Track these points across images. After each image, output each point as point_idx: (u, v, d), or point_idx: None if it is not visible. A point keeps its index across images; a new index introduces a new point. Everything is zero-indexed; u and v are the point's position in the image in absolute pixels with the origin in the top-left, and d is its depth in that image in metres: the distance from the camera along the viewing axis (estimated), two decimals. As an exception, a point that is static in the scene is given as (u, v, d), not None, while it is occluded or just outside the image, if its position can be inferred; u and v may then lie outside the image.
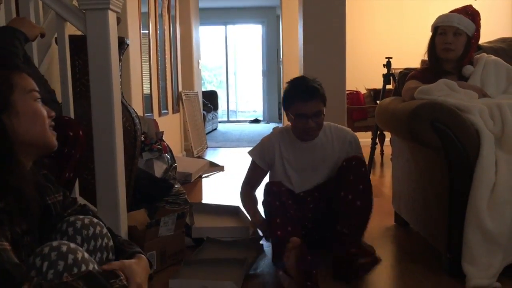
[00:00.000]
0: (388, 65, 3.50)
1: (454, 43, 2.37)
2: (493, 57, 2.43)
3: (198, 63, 7.04)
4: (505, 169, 1.95)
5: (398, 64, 3.55)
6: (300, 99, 2.20)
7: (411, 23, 5.67)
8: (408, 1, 6.04)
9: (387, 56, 3.52)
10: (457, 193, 1.97)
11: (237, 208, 2.67)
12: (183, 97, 5.77)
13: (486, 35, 3.77)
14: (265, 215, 2.27)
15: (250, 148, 2.44)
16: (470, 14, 2.44)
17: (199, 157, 5.46)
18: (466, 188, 1.95)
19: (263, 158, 2.36)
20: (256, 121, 11.87)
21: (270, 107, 11.88)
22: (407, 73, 2.60)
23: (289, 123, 2.35)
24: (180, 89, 5.80)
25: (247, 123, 11.81)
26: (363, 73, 5.03)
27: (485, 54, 2.45)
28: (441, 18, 2.42)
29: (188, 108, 5.91)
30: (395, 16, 6.09)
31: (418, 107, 2.02)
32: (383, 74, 3.50)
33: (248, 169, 2.46)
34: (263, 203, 2.24)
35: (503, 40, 2.73)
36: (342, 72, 3.36)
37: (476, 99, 2.21)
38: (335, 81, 3.29)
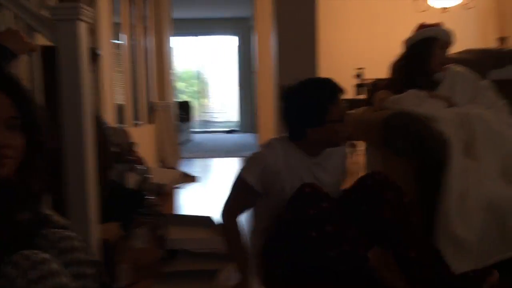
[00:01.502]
0: (359, 75, 3.56)
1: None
2: (460, 67, 2.50)
3: (172, 73, 7.02)
4: (474, 177, 2.00)
5: (370, 75, 3.60)
6: (332, 102, 1.79)
7: (383, 34, 5.77)
8: (379, 13, 6.15)
9: (359, 67, 3.58)
10: (427, 201, 2.01)
11: (210, 218, 2.65)
12: (157, 108, 5.74)
13: (454, 46, 3.88)
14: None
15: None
16: None
17: (173, 168, 5.42)
18: (436, 196, 1.99)
19: (260, 177, 1.76)
20: (232, 131, 11.87)
21: (246, 117, 11.89)
22: (378, 84, 2.65)
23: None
24: (153, 99, 5.77)
25: (223, 133, 11.80)
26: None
27: (453, 64, 2.51)
28: (442, 32, 2.43)
29: (162, 118, 5.87)
30: (367, 27, 6.18)
31: (390, 116, 2.07)
32: (355, 85, 3.55)
33: (233, 192, 1.84)
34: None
35: (469, 51, 2.81)
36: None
37: (445, 109, 2.26)
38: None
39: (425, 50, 2.40)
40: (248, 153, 1.91)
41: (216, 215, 2.00)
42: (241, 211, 1.87)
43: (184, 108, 10.15)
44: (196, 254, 2.30)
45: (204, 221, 2.67)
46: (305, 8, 3.39)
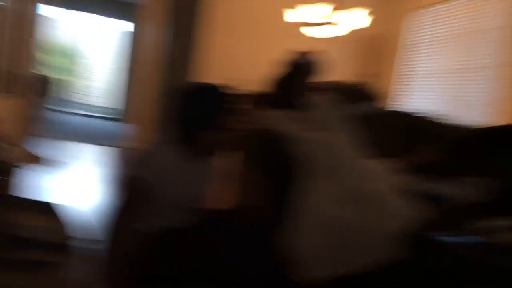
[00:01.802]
0: (229, 88, 3.61)
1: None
2: (326, 96, 2.66)
3: (33, 42, 6.41)
4: (322, 198, 2.12)
5: (246, 85, 3.67)
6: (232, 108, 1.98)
7: (263, 47, 5.96)
8: (264, 30, 6.35)
9: (237, 75, 3.64)
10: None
11: (50, 204, 2.45)
12: (9, 78, 5.19)
13: (329, 75, 4.13)
14: None
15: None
16: None
17: (18, 145, 4.94)
18: (284, 213, 2.06)
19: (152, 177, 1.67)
20: (111, 119, 11.02)
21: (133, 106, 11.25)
22: (252, 96, 2.70)
23: None
24: (10, 68, 5.21)
25: (100, 119, 10.95)
26: None
27: (321, 92, 2.67)
28: (313, 60, 2.58)
29: (14, 91, 5.34)
30: (252, 37, 6.34)
31: (253, 132, 2.11)
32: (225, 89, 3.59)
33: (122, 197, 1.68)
34: None
35: (337, 83, 3.00)
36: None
37: (311, 130, 2.38)
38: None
39: (298, 75, 2.54)
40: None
41: (56, 201, 1.86)
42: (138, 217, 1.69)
43: (44, 83, 9.38)
44: (29, 242, 2.09)
45: (42, 207, 2.45)
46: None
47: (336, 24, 5.21)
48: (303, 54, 2.63)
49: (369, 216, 2.14)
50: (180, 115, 1.77)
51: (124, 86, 10.89)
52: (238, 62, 6.08)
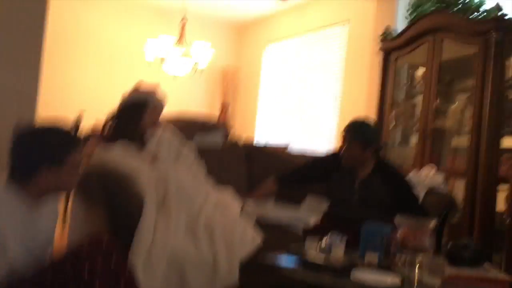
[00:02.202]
0: (78, 121, 3.55)
1: None
2: (169, 127, 2.76)
3: None
4: (162, 230, 2.18)
5: (88, 121, 3.62)
6: (76, 144, 1.81)
7: (111, 84, 5.87)
8: (114, 64, 6.28)
9: (78, 110, 3.59)
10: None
11: None
12: None
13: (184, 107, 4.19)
14: None
15: None
16: None
17: None
18: (128, 248, 2.09)
19: None
20: None
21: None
22: (91, 135, 2.69)
23: None
24: None
25: None
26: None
27: (164, 124, 2.75)
28: (154, 97, 2.67)
29: None
30: (97, 71, 6.19)
31: (89, 169, 2.11)
32: (73, 129, 3.52)
33: None
34: None
35: (182, 115, 3.13)
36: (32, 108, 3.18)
37: (147, 165, 2.44)
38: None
39: (137, 113, 2.59)
40: None
41: None
42: None
43: None
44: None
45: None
46: (34, 40, 3.20)
47: (187, 57, 5.38)
48: (148, 89, 2.68)
49: (215, 246, 2.25)
50: (15, 156, 1.64)
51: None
52: (85, 95, 5.96)
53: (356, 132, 2.66)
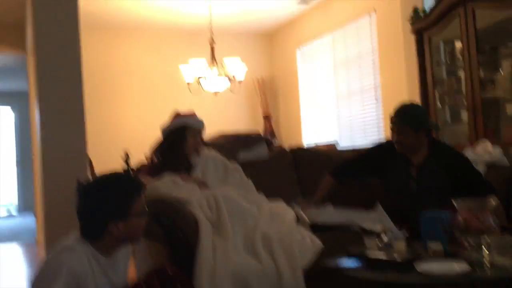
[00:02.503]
0: (127, 159, 3.67)
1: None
2: (213, 151, 2.79)
3: None
4: (221, 252, 2.20)
5: (137, 156, 3.74)
6: (136, 194, 1.82)
7: (158, 115, 6.00)
8: (155, 94, 6.43)
9: (126, 148, 3.70)
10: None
11: None
12: None
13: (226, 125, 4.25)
14: None
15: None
16: None
17: None
18: (192, 275, 2.12)
19: None
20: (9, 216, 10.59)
21: (26, 198, 10.83)
22: (141, 168, 2.77)
23: None
24: None
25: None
26: (105, 166, 5.01)
27: (207, 148, 2.79)
28: (194, 121, 2.70)
29: None
30: (142, 106, 6.37)
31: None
32: (123, 169, 3.64)
33: None
34: None
35: (223, 135, 3.16)
36: (83, 161, 3.33)
37: (197, 191, 2.48)
38: (75, 172, 3.19)
39: (178, 138, 2.64)
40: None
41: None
42: None
43: None
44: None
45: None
46: (72, 83, 3.34)
47: (221, 76, 5.44)
48: (186, 114, 2.73)
49: (276, 257, 2.25)
50: (82, 215, 1.70)
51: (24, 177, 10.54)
52: (131, 131, 6.10)
53: (405, 116, 2.61)
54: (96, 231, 1.67)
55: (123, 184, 1.74)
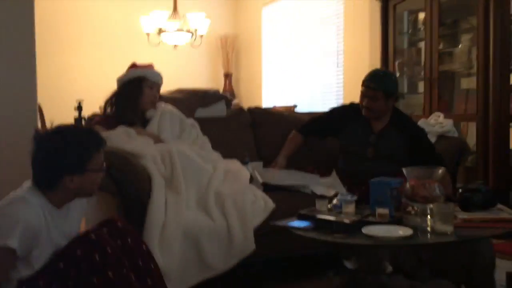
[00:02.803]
0: (79, 108, 3.55)
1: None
2: (169, 106, 2.73)
3: None
4: (173, 208, 2.20)
5: (94, 106, 3.62)
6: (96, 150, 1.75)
7: (111, 65, 5.75)
8: (109, 44, 6.19)
9: (79, 98, 3.57)
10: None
11: None
12: None
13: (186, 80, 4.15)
14: None
15: None
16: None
17: None
18: (141, 229, 2.11)
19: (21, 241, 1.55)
20: None
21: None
22: (94, 118, 2.69)
23: None
24: None
25: None
26: (57, 115, 4.79)
27: (163, 103, 2.73)
28: (151, 73, 2.62)
29: None
30: (94, 56, 6.11)
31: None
32: (75, 118, 3.52)
33: None
34: None
35: (180, 91, 3.10)
36: (33, 109, 3.18)
37: (152, 145, 2.44)
38: (24, 120, 3.04)
39: (134, 89, 2.56)
40: None
41: None
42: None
43: None
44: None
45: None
46: (22, 27, 3.15)
47: (182, 31, 5.30)
48: (144, 66, 2.65)
49: (228, 216, 2.27)
50: (37, 165, 1.65)
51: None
52: (86, 82, 5.90)
53: (380, 82, 2.65)
54: (50, 182, 1.63)
55: (84, 137, 1.69)
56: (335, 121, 2.88)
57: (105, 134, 2.37)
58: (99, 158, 1.69)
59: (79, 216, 1.82)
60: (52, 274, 1.57)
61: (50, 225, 1.63)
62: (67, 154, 1.62)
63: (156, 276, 1.76)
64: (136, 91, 2.56)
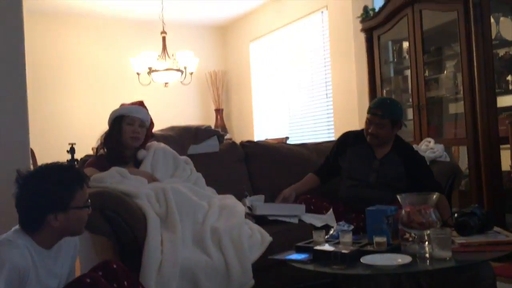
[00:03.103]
0: (72, 151, 3.55)
1: (142, 133, 2.60)
2: (162, 144, 2.74)
3: None
4: (169, 247, 2.17)
5: (83, 149, 3.63)
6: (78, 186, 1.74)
7: (105, 106, 5.76)
8: (102, 85, 6.24)
9: (71, 141, 3.58)
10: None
11: None
12: None
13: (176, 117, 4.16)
14: None
15: None
16: (144, 107, 2.71)
17: None
18: (138, 269, 2.08)
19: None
20: None
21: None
22: (87, 160, 2.68)
23: None
24: None
25: None
26: (49, 158, 4.74)
27: (155, 142, 2.74)
28: (128, 109, 2.60)
29: None
30: (88, 99, 6.16)
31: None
32: (67, 161, 3.51)
33: None
34: None
35: (172, 128, 3.11)
36: (25, 153, 3.18)
37: (146, 184, 2.43)
38: (17, 165, 3.04)
39: (115, 128, 2.57)
40: None
41: None
42: None
43: None
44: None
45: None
46: (14, 70, 3.16)
47: (172, 70, 5.37)
48: (123, 105, 2.66)
49: (225, 251, 2.24)
50: (21, 207, 1.64)
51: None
52: (80, 124, 5.90)
53: (387, 109, 2.70)
54: (34, 222, 1.62)
55: (64, 174, 1.68)
56: (337, 153, 2.92)
57: (98, 175, 2.38)
58: (82, 194, 1.68)
59: (72, 256, 1.79)
60: None
61: (37, 265, 1.60)
62: (48, 192, 1.61)
63: None
64: (116, 129, 2.57)
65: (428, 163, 3.00)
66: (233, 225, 2.37)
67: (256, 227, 2.42)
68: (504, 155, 3.37)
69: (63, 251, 1.72)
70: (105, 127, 2.68)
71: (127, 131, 2.55)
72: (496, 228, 2.08)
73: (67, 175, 1.68)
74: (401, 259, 1.76)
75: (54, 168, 1.71)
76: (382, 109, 2.70)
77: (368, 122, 2.75)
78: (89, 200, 1.71)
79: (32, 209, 1.62)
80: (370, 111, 2.75)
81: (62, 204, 1.62)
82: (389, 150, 2.77)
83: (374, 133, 2.72)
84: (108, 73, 6.26)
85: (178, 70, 5.39)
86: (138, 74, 5.40)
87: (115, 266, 1.75)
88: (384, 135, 2.73)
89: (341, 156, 2.89)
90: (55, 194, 1.62)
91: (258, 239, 2.35)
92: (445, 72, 3.87)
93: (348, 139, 2.91)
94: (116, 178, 2.36)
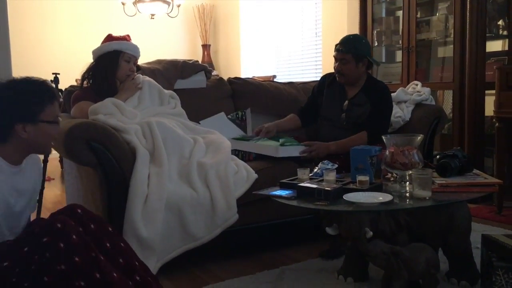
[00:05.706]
0: (55, 81, 3.48)
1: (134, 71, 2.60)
2: (147, 78, 2.70)
3: None
4: (155, 181, 2.19)
5: (66, 80, 3.56)
6: (49, 101, 1.71)
7: (88, 37, 5.65)
8: (86, 15, 6.05)
9: (55, 71, 3.50)
10: (115, 207, 2.13)
11: None
12: None
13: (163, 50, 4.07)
14: None
15: None
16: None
17: None
18: (123, 202, 2.11)
19: None
20: None
21: None
22: (72, 91, 2.64)
23: None
24: None
25: None
26: None
27: (141, 75, 2.69)
28: (128, 46, 2.56)
29: None
30: (71, 29, 5.97)
31: (73, 127, 2.09)
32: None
33: None
34: None
35: (159, 61, 3.05)
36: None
37: (137, 116, 2.42)
38: None
39: (111, 62, 2.51)
40: None
41: None
42: None
43: None
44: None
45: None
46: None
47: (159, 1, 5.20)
48: (120, 38, 2.59)
49: (210, 187, 2.27)
50: None
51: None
52: (63, 54, 5.77)
53: (348, 45, 2.67)
54: (2, 132, 1.60)
55: (36, 87, 1.64)
56: (315, 95, 2.91)
57: (94, 106, 2.36)
58: (53, 110, 1.65)
59: (36, 176, 1.77)
60: (16, 257, 1.54)
61: (1, 181, 1.57)
62: (18, 102, 1.59)
63: (128, 254, 1.73)
64: (113, 64, 2.51)
65: (413, 106, 3.02)
66: (219, 161, 2.38)
67: (242, 163, 2.44)
68: (489, 100, 3.41)
69: (28, 173, 1.70)
70: (88, 57, 2.61)
71: (124, 68, 2.52)
72: (475, 171, 2.14)
73: (39, 87, 1.65)
74: (382, 197, 1.81)
75: (26, 80, 1.67)
76: (344, 45, 2.67)
77: (334, 60, 2.73)
78: (60, 118, 1.68)
79: (1, 117, 1.59)
80: (335, 48, 2.73)
81: (31, 114, 1.60)
82: (359, 90, 2.75)
83: (339, 69, 2.70)
84: (93, 2, 6.04)
85: (165, 1, 5.22)
86: (123, 4, 5.23)
87: (79, 210, 1.72)
88: (348, 72, 2.69)
89: (320, 97, 2.88)
90: (25, 103, 1.59)
91: (244, 176, 2.38)
92: (437, 14, 3.81)
93: (326, 80, 2.89)
94: (110, 110, 2.34)
